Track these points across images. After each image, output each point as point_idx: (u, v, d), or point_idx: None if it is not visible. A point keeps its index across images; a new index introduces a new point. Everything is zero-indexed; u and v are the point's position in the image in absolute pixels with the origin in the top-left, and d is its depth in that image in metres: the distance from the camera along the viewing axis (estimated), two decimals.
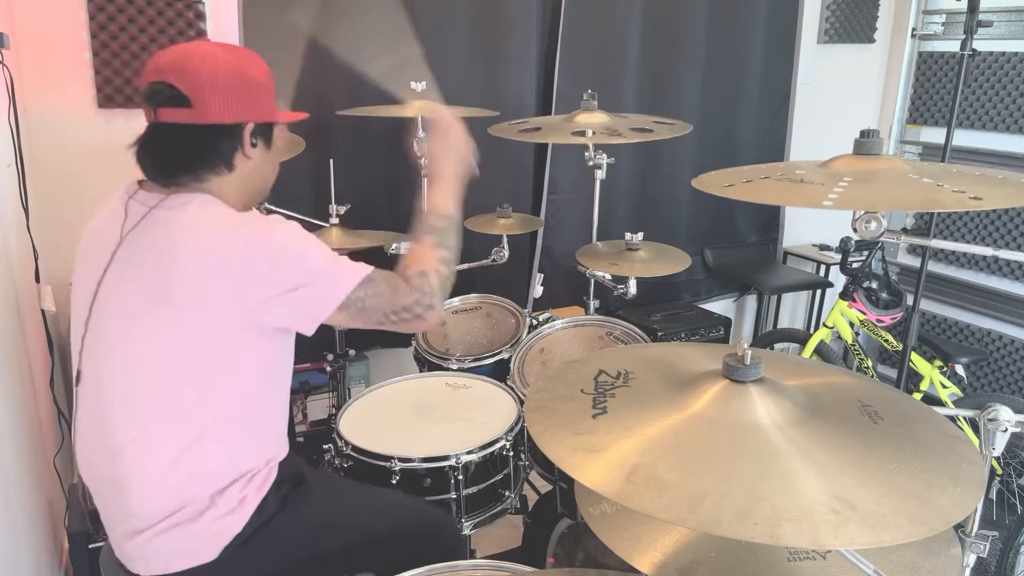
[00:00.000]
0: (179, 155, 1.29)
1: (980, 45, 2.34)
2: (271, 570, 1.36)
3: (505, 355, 2.17)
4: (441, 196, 1.45)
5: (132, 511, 1.27)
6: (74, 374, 1.34)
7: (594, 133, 2.16)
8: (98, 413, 1.29)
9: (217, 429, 1.28)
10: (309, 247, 1.26)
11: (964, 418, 2.43)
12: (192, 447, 1.26)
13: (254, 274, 1.21)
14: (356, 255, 1.42)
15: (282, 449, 1.43)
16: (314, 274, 1.24)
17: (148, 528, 1.27)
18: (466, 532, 1.73)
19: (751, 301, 4.04)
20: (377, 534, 1.48)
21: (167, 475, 1.26)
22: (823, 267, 3.85)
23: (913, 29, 3.78)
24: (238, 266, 1.20)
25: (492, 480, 1.77)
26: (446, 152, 1.50)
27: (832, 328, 3.13)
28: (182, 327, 1.21)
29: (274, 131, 1.38)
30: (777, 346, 3.53)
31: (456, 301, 2.42)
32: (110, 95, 2.45)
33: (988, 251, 1.24)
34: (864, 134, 1.24)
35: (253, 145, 1.32)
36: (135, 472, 1.26)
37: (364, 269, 1.29)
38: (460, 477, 1.69)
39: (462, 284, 2.57)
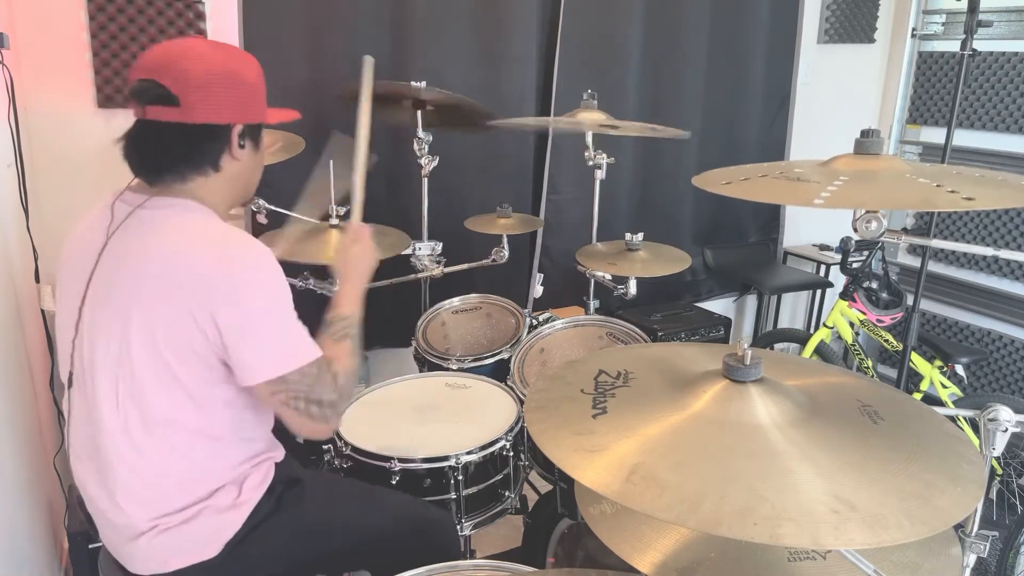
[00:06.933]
0: (165, 154, 1.27)
1: (980, 45, 2.33)
2: (271, 567, 1.36)
3: (505, 355, 2.17)
4: (346, 300, 1.42)
5: (125, 513, 1.27)
6: (65, 377, 1.33)
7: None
8: (89, 416, 1.28)
9: (205, 431, 1.27)
10: (280, 301, 1.23)
11: (964, 418, 2.42)
12: (182, 450, 1.26)
13: (208, 297, 1.18)
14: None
15: (276, 449, 1.43)
16: (268, 332, 1.22)
17: (142, 529, 1.27)
18: (466, 532, 1.73)
19: (751, 301, 4.04)
20: (375, 532, 1.48)
21: (159, 477, 1.26)
22: (823, 267, 3.85)
23: (913, 29, 3.78)
24: (196, 281, 1.18)
25: (492, 480, 1.77)
26: (354, 260, 1.47)
27: (832, 328, 3.13)
28: (149, 331, 1.20)
29: (262, 133, 1.36)
30: (777, 346, 3.53)
31: (456, 301, 2.42)
32: (110, 95, 2.45)
33: (988, 251, 1.24)
34: (865, 134, 1.24)
35: (241, 146, 1.30)
36: (126, 475, 1.26)
37: (316, 350, 1.26)
38: (460, 477, 1.69)
39: (462, 284, 2.58)
